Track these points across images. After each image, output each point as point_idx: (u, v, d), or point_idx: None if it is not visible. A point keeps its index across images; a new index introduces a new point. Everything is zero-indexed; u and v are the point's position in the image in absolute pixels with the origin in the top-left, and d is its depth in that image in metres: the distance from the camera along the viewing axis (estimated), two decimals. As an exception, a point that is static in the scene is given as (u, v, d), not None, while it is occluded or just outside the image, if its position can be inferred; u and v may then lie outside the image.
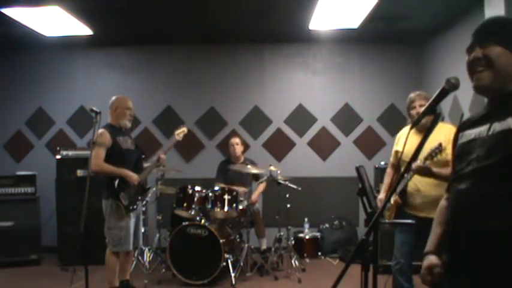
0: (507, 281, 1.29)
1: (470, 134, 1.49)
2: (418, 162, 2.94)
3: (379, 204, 3.27)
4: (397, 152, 3.45)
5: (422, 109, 3.14)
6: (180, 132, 4.30)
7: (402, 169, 3.20)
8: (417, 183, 3.09)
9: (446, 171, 2.89)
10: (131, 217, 3.87)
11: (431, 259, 1.57)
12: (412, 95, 3.31)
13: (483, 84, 1.44)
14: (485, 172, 1.38)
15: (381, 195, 3.43)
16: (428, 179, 3.03)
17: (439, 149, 2.84)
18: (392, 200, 3.25)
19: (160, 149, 5.97)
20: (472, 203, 1.41)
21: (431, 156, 2.87)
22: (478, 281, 1.36)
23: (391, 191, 1.82)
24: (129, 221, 3.84)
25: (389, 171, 3.53)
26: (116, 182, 3.77)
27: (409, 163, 1.72)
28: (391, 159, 3.53)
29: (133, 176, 3.85)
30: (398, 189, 3.14)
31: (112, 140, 3.81)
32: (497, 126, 1.39)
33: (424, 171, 2.95)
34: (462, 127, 1.57)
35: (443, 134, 3.13)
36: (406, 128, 3.51)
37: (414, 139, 3.02)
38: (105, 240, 3.86)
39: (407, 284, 3.23)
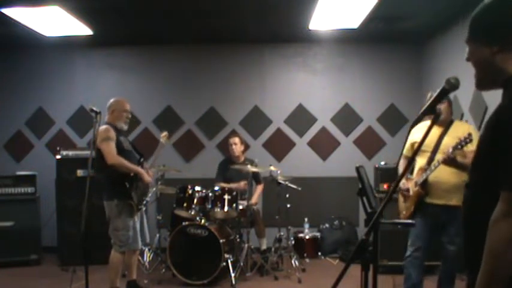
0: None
1: None
2: (442, 154, 3.17)
3: (403, 186, 3.48)
4: (413, 143, 3.51)
5: (441, 105, 3.38)
6: (163, 136, 4.37)
7: (420, 159, 3.45)
8: (437, 171, 3.24)
9: (467, 161, 3.16)
10: (137, 216, 3.92)
11: None
12: (433, 92, 3.36)
13: (475, 83, 1.47)
14: (470, 174, 1.41)
15: (402, 180, 3.50)
16: (448, 168, 3.22)
17: (470, 138, 3.03)
18: (411, 191, 3.43)
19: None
20: (464, 201, 1.44)
21: (461, 145, 3.06)
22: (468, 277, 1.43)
23: (396, 181, 1.84)
24: (136, 219, 3.87)
25: (402, 163, 3.61)
26: (127, 182, 3.78)
27: (415, 153, 1.74)
28: (405, 151, 3.58)
29: (145, 175, 3.91)
30: (421, 180, 3.33)
31: (116, 138, 3.83)
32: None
33: (451, 162, 3.14)
34: None
35: (462, 130, 3.34)
36: (422, 123, 3.60)
37: (433, 132, 3.23)
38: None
39: (416, 275, 3.42)
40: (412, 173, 3.60)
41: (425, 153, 3.44)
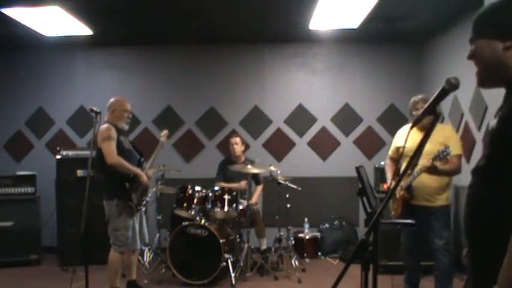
0: (484, 281, 1.33)
1: (490, 124, 1.46)
2: (425, 161, 3.34)
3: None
4: (398, 148, 3.81)
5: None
6: (164, 135, 4.38)
7: (404, 164, 3.64)
8: (420, 176, 3.43)
9: (449, 166, 3.45)
10: (136, 216, 3.93)
11: None
12: (415, 98, 3.68)
13: (478, 80, 1.45)
14: (480, 172, 1.40)
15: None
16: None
17: (447, 151, 3.23)
18: (398, 195, 3.63)
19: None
20: (468, 203, 1.43)
21: (439, 157, 3.27)
22: (474, 276, 1.42)
23: (394, 186, 1.88)
24: (135, 220, 3.87)
25: (389, 164, 3.93)
26: (127, 183, 3.78)
27: (411, 160, 1.79)
28: (390, 153, 3.93)
29: (144, 176, 3.90)
30: (406, 185, 3.52)
31: (116, 137, 3.83)
32: (494, 122, 1.36)
33: (432, 170, 3.37)
34: (494, 114, 1.50)
35: (442, 134, 3.48)
36: (406, 126, 3.93)
37: (416, 136, 3.34)
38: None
39: (414, 263, 3.76)
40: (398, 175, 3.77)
41: (408, 158, 3.52)
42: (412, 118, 3.72)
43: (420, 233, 3.64)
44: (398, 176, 3.76)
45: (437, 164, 3.33)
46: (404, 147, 2.42)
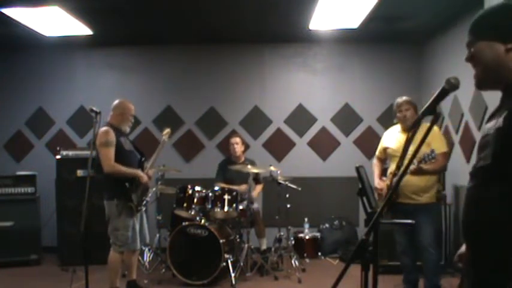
0: (488, 280, 1.34)
1: (485, 128, 1.46)
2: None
3: (379, 186, 3.84)
4: (385, 148, 3.92)
5: (407, 112, 3.75)
6: (166, 133, 4.37)
7: (392, 164, 3.79)
8: (406, 175, 3.50)
9: (434, 166, 3.52)
10: (136, 216, 3.93)
11: (463, 248, 1.59)
12: (399, 100, 3.78)
13: (476, 82, 1.45)
14: (481, 173, 1.39)
15: (376, 180, 3.92)
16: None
17: (432, 155, 3.32)
18: (384, 194, 3.74)
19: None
20: (468, 204, 1.43)
21: (424, 161, 3.35)
22: (473, 276, 1.43)
23: (390, 192, 1.90)
24: (135, 220, 3.87)
25: (376, 163, 4.08)
26: (127, 183, 3.78)
27: (406, 165, 1.80)
28: (377, 153, 4.05)
29: (144, 177, 3.89)
30: (392, 186, 3.61)
31: (116, 139, 3.82)
32: (498, 123, 1.36)
33: (418, 172, 3.45)
34: (487, 119, 1.51)
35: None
36: (393, 127, 3.99)
37: (401, 138, 3.68)
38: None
39: (410, 262, 3.82)
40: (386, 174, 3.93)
41: (395, 158, 3.68)
42: (397, 120, 3.82)
43: (411, 231, 3.70)
44: (384, 175, 3.93)
45: (423, 165, 3.40)
46: (404, 151, 2.52)
